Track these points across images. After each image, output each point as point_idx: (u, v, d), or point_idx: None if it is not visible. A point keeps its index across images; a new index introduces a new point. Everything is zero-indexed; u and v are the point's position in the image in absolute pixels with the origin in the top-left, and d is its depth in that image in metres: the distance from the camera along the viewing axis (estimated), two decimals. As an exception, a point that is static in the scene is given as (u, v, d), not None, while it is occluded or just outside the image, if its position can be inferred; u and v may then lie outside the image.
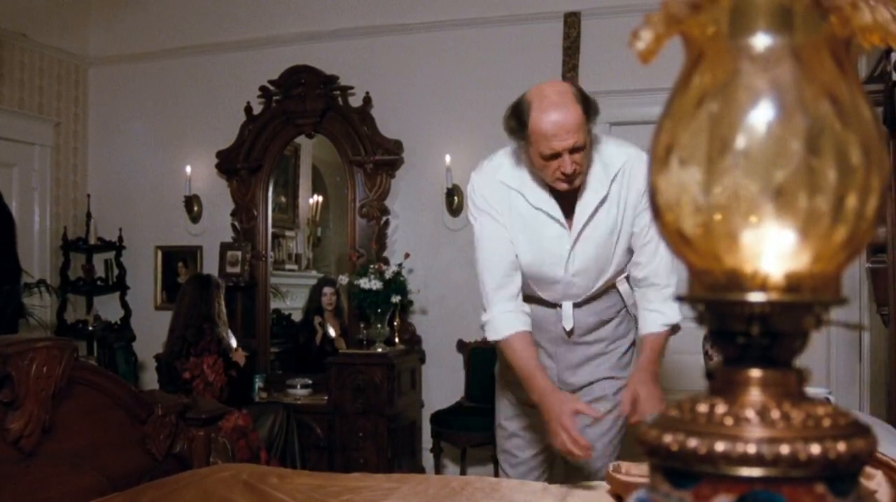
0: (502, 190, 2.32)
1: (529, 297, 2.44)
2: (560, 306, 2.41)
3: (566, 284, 2.35)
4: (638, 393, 2.23)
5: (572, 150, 2.12)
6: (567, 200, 2.29)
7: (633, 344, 2.52)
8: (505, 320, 2.32)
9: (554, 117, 2.10)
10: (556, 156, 2.13)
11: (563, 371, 2.47)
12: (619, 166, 2.25)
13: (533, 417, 2.50)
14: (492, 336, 2.35)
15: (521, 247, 2.34)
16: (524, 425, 2.54)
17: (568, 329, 2.40)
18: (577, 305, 2.40)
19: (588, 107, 2.14)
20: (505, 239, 2.33)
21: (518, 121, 2.17)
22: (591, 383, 2.46)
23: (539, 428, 2.48)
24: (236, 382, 4.30)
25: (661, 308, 2.31)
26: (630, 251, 2.35)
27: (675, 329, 2.34)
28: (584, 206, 2.27)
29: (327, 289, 5.55)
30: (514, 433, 2.56)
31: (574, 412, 2.15)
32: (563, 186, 2.20)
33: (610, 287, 2.42)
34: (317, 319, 5.56)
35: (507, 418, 2.57)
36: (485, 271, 2.37)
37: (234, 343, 4.65)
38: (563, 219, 2.29)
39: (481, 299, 2.39)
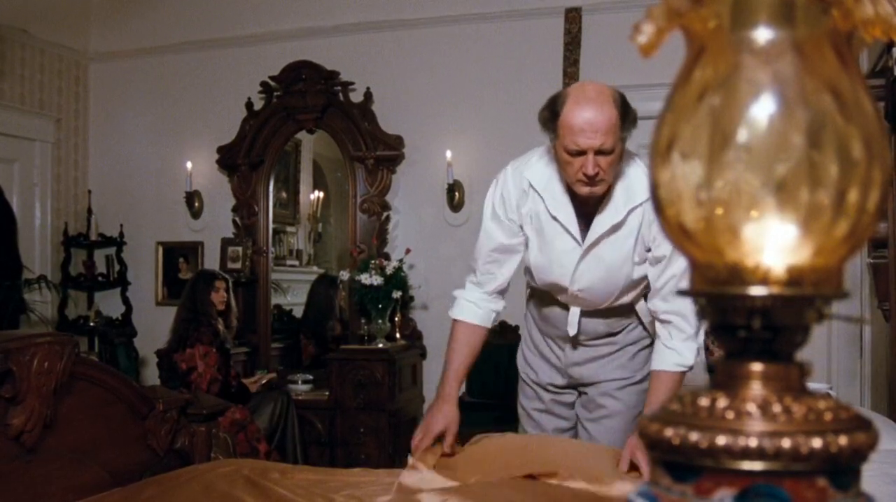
0: (526, 188, 2.29)
1: (544, 295, 2.44)
2: (569, 310, 2.41)
3: (572, 296, 2.34)
4: (636, 456, 2.15)
5: (598, 152, 2.06)
6: (585, 218, 2.25)
7: (647, 347, 2.45)
8: (463, 305, 2.39)
9: (586, 113, 2.04)
10: (581, 153, 2.07)
11: (569, 365, 2.46)
12: (642, 198, 2.17)
13: (548, 400, 2.52)
14: (450, 312, 2.42)
15: (532, 249, 2.34)
16: (540, 408, 2.55)
17: (572, 335, 2.40)
18: (585, 313, 2.38)
19: (626, 114, 2.07)
20: (497, 236, 2.34)
21: (552, 111, 2.12)
22: (597, 382, 2.46)
23: (556, 411, 2.51)
24: (232, 394, 4.29)
25: (679, 348, 2.23)
26: (647, 286, 2.31)
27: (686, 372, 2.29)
28: (597, 226, 2.23)
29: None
30: (529, 414, 2.58)
31: (436, 434, 2.22)
32: (584, 190, 2.13)
33: (624, 308, 2.39)
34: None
35: (527, 398, 2.58)
36: (473, 259, 2.42)
37: (261, 376, 4.85)
38: (577, 233, 2.25)
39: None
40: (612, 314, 2.40)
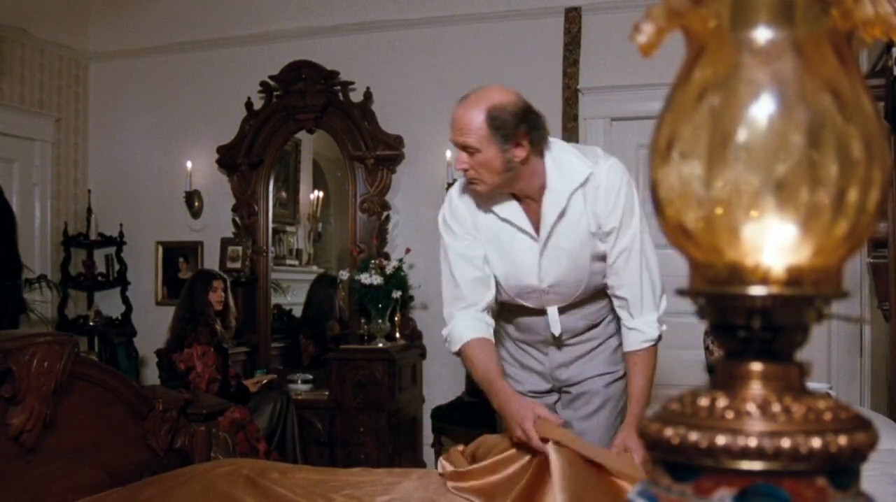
0: (471, 202, 2.35)
1: (516, 307, 2.45)
2: (546, 312, 2.42)
3: (544, 293, 2.37)
4: (627, 446, 2.21)
5: (463, 148, 2.19)
6: (534, 212, 2.31)
7: None
8: (461, 330, 2.35)
9: (457, 111, 2.21)
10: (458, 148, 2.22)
11: (554, 369, 2.49)
12: (580, 180, 2.25)
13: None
14: (452, 347, 2.38)
15: (492, 260, 2.36)
16: None
17: (557, 334, 2.41)
18: (562, 310, 2.41)
19: (498, 123, 2.15)
20: (466, 255, 2.36)
21: None
22: (582, 380, 2.47)
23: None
24: (231, 394, 4.30)
25: (639, 326, 2.31)
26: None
27: (657, 341, 2.35)
28: (545, 218, 2.28)
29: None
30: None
31: (535, 417, 2.15)
32: (471, 186, 2.27)
33: (598, 293, 2.42)
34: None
35: None
36: (445, 285, 2.42)
37: (263, 379, 4.86)
38: (531, 230, 2.31)
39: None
40: (587, 302, 2.42)
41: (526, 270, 2.33)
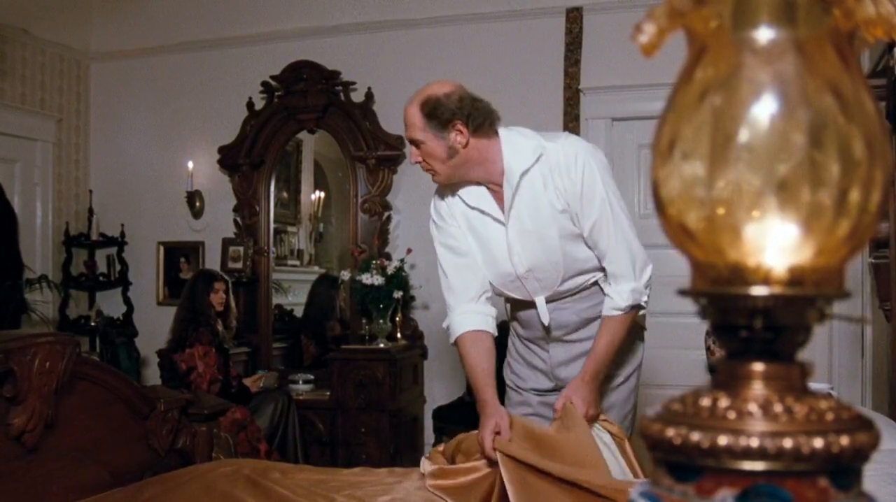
0: (448, 195, 2.47)
1: (515, 301, 2.51)
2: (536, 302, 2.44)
3: (525, 280, 2.40)
4: (571, 399, 2.29)
5: (412, 142, 2.34)
6: (501, 198, 2.37)
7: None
8: (457, 322, 2.41)
9: (406, 106, 2.33)
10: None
11: (555, 366, 2.51)
12: (530, 161, 2.31)
13: (536, 403, 2.55)
14: (451, 338, 2.44)
15: (473, 250, 2.44)
16: (528, 412, 2.56)
17: (546, 324, 2.43)
18: (551, 300, 2.43)
19: (433, 115, 2.27)
20: (450, 245, 2.46)
21: None
22: None
23: (544, 413, 2.52)
24: (232, 395, 4.30)
25: (611, 292, 2.37)
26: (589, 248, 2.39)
27: (633, 310, 2.38)
28: (506, 201, 2.35)
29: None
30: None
31: (494, 427, 2.22)
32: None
33: (591, 285, 2.43)
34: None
35: (513, 405, 2.59)
36: (442, 279, 2.50)
37: (263, 376, 4.90)
38: (499, 216, 2.37)
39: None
40: (578, 295, 2.44)
41: (500, 256, 2.39)
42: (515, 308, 2.55)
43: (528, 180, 2.30)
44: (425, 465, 2.32)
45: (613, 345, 2.36)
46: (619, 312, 2.35)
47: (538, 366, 2.54)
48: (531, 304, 2.45)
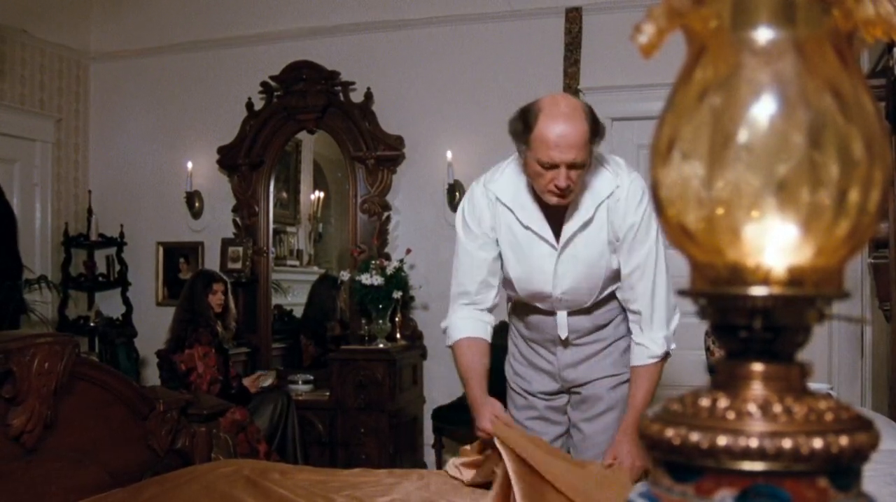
0: (494, 203, 2.34)
1: (526, 305, 2.47)
2: (555, 314, 2.42)
3: (556, 300, 2.38)
4: (619, 452, 2.25)
5: (571, 166, 2.11)
6: (556, 220, 2.30)
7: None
8: (459, 326, 2.39)
9: (561, 128, 2.09)
10: (554, 167, 2.12)
11: (563, 369, 2.49)
12: (607, 193, 2.25)
13: (542, 407, 2.53)
14: (448, 341, 2.42)
15: (510, 263, 2.37)
16: (533, 415, 2.55)
17: (563, 337, 2.42)
18: (571, 313, 2.42)
19: (596, 128, 2.14)
20: (478, 256, 2.37)
21: (524, 124, 2.17)
22: (589, 381, 2.48)
23: (551, 417, 2.52)
24: (232, 395, 4.30)
25: (646, 341, 2.32)
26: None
27: (665, 358, 2.36)
28: (568, 228, 2.28)
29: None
30: (522, 423, 2.58)
31: (492, 416, 2.21)
32: (554, 200, 2.19)
33: (607, 297, 2.43)
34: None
35: (518, 408, 2.59)
36: (454, 279, 2.44)
37: (263, 374, 4.89)
38: (552, 239, 2.30)
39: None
40: (596, 308, 2.42)
41: (541, 277, 2.33)
42: (525, 312, 2.51)
43: (599, 212, 2.26)
44: (455, 464, 2.33)
45: (651, 393, 2.33)
46: (654, 360, 2.31)
47: (544, 368, 2.53)
48: (546, 312, 2.43)
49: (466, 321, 2.39)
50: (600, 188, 2.25)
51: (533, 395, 2.54)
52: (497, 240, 2.37)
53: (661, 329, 2.32)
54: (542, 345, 2.51)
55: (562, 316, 2.41)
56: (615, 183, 2.25)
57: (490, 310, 2.43)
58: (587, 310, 2.42)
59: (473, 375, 2.34)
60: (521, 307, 2.51)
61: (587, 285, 2.34)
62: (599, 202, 2.24)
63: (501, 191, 2.33)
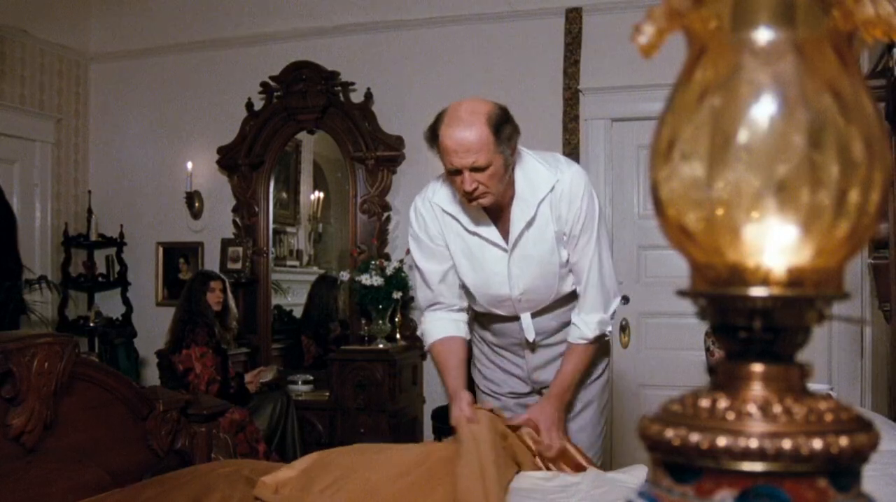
0: (439, 214, 2.36)
1: (488, 314, 2.48)
2: (519, 318, 2.43)
3: (517, 302, 2.39)
4: (537, 420, 2.30)
5: (473, 169, 2.12)
6: (503, 223, 2.31)
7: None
8: (431, 330, 2.43)
9: (456, 134, 2.12)
10: (459, 171, 2.15)
11: (532, 371, 2.52)
12: (547, 189, 2.27)
13: (513, 405, 2.56)
14: (425, 345, 2.47)
15: (463, 270, 2.39)
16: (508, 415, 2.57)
17: (531, 340, 2.44)
18: (535, 314, 2.44)
19: (500, 130, 2.13)
20: (434, 262, 2.39)
21: (433, 132, 2.22)
22: None
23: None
24: (231, 395, 4.30)
25: (579, 323, 2.37)
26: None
27: (598, 340, 2.40)
28: (514, 226, 2.30)
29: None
30: None
31: (468, 400, 2.24)
32: (472, 204, 2.22)
33: (569, 295, 2.45)
34: None
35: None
36: (419, 292, 2.49)
37: (264, 369, 4.87)
38: (500, 242, 2.32)
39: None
40: (558, 305, 2.45)
41: (497, 279, 2.36)
42: (488, 321, 2.53)
43: (541, 208, 2.28)
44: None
45: (578, 371, 2.40)
46: (584, 341, 2.37)
47: (513, 372, 2.55)
48: (510, 318, 2.46)
49: (439, 323, 2.42)
50: (539, 185, 2.27)
51: (505, 396, 2.57)
52: (449, 250, 2.38)
53: (597, 313, 2.35)
54: (508, 349, 2.54)
55: (526, 318, 2.43)
56: (554, 177, 2.27)
57: (463, 310, 2.46)
58: (550, 309, 2.44)
59: (447, 370, 2.38)
60: (484, 316, 2.53)
61: (544, 283, 2.36)
62: (541, 199, 2.26)
63: (444, 201, 2.35)
